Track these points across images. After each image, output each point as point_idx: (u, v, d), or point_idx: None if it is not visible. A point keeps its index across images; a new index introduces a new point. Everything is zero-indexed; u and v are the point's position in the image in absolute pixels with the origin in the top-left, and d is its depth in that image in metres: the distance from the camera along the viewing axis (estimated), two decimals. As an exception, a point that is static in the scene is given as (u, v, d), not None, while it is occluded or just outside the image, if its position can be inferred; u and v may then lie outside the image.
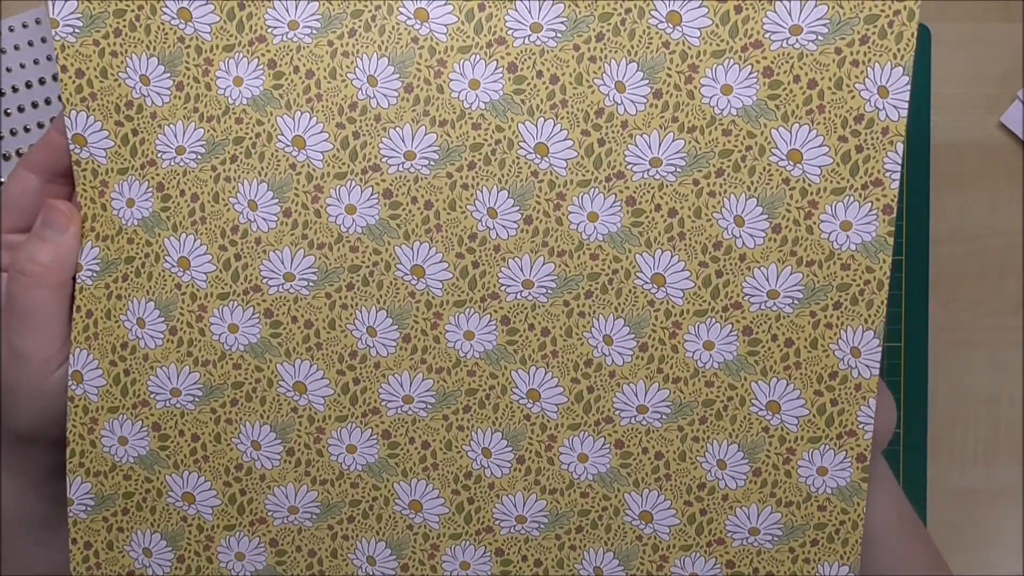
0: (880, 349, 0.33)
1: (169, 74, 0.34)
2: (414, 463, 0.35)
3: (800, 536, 0.34)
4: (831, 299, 0.33)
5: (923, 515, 0.49)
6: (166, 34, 0.33)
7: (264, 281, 0.35)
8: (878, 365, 0.33)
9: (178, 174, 0.34)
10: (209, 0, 0.33)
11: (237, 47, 0.33)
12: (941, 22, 0.49)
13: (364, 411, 0.35)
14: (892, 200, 0.32)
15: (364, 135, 0.34)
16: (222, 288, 0.35)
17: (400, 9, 0.33)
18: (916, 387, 0.50)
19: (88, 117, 0.34)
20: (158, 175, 0.34)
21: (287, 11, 0.33)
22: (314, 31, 0.33)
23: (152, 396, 0.36)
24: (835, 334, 0.33)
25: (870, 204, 0.33)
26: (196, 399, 0.35)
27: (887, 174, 0.32)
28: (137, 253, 0.35)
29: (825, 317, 0.33)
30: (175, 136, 0.34)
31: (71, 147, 0.34)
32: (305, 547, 0.36)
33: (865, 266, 0.33)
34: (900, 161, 0.32)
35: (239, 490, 0.36)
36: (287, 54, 0.33)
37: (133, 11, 0.33)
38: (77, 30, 0.33)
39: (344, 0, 0.33)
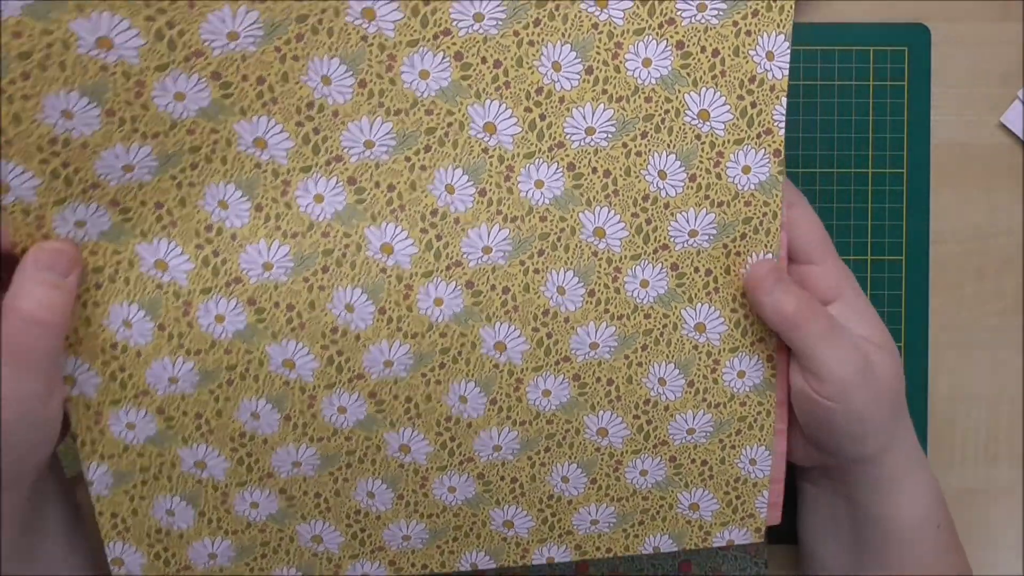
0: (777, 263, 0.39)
1: (96, 103, 0.33)
2: (399, 415, 0.40)
3: (727, 428, 0.41)
4: (738, 232, 0.39)
5: (923, 515, 0.49)
6: (85, 66, 0.32)
7: (244, 272, 0.37)
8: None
9: (132, 188, 0.35)
10: (132, 25, 0.32)
11: (172, 65, 0.33)
12: (941, 22, 0.49)
13: (350, 377, 0.39)
14: (780, 145, 0.38)
15: (324, 130, 0.36)
16: (204, 284, 0.37)
17: (347, 11, 0.35)
18: (916, 387, 0.50)
19: (8, 164, 0.33)
20: (107, 194, 0.34)
21: (223, 22, 0.33)
22: (258, 39, 0.34)
23: (151, 386, 0.38)
24: (743, 259, 0.39)
25: (764, 150, 0.38)
26: (194, 383, 0.38)
27: (775, 124, 0.38)
28: (106, 263, 0.36)
29: (735, 247, 0.39)
30: (116, 158, 0.34)
31: None
32: (311, 491, 0.40)
33: (763, 201, 0.38)
34: (785, 112, 0.38)
35: (245, 453, 0.39)
36: (231, 64, 0.34)
37: (42, 50, 0.32)
38: None
39: (284, 3, 0.34)
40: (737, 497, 0.42)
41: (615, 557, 0.43)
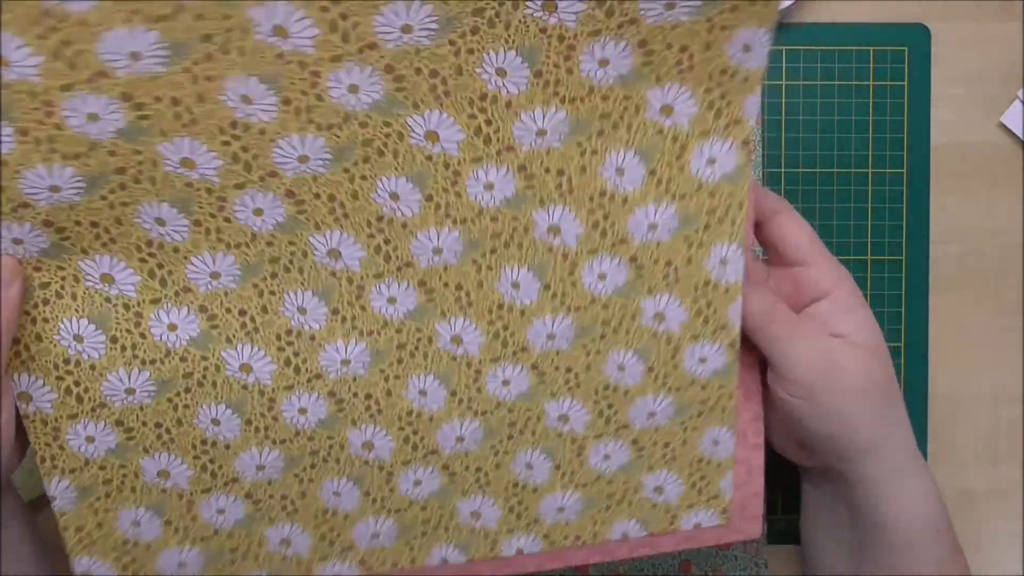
0: (744, 258, 0.38)
1: (7, 120, 0.32)
2: (360, 413, 0.39)
3: (688, 411, 0.41)
4: (702, 223, 0.38)
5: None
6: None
7: (192, 282, 0.36)
8: (742, 271, 0.38)
9: (64, 209, 0.34)
10: (25, 43, 0.31)
11: (76, 86, 0.32)
12: (941, 22, 0.49)
13: (308, 378, 0.39)
14: (749, 135, 0.37)
15: (253, 148, 0.34)
16: (153, 294, 0.36)
17: (256, 30, 0.32)
18: (916, 387, 0.50)
19: None
20: (39, 214, 0.34)
21: (123, 43, 0.31)
22: (163, 60, 0.32)
23: (108, 398, 0.37)
24: (706, 251, 0.38)
25: (731, 140, 0.37)
26: (151, 393, 0.38)
27: (745, 114, 0.36)
28: (52, 279, 0.35)
29: (697, 238, 0.38)
30: (40, 177, 0.33)
31: None
32: (277, 493, 0.40)
33: (728, 192, 0.37)
34: (758, 102, 0.36)
35: (208, 460, 0.39)
36: (139, 87, 0.32)
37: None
38: None
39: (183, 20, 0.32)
40: (702, 478, 0.42)
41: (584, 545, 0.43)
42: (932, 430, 0.50)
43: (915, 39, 0.49)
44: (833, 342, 0.39)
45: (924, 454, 0.49)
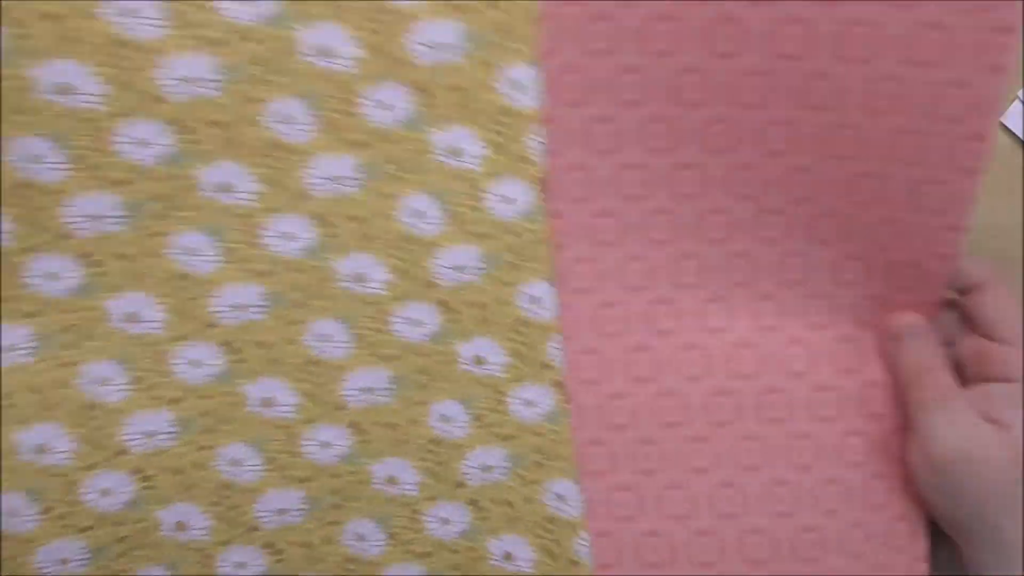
0: (555, 295, 0.38)
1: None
2: (170, 492, 0.38)
3: (524, 461, 0.39)
4: (507, 261, 0.37)
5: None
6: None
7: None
8: (556, 308, 0.38)
9: None
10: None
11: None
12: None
13: (114, 453, 0.37)
14: (540, 173, 0.36)
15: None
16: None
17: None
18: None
19: None
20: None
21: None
22: None
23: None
24: (515, 290, 0.38)
25: (523, 179, 0.36)
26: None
27: (530, 152, 0.36)
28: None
29: (505, 277, 0.37)
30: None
31: None
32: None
33: (527, 229, 0.37)
34: (542, 140, 0.36)
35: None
36: None
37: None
38: None
39: None
40: (553, 540, 0.39)
41: None
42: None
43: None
44: (984, 428, 0.37)
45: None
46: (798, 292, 0.40)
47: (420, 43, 0.35)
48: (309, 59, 0.35)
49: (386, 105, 0.35)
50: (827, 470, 0.39)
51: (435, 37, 0.35)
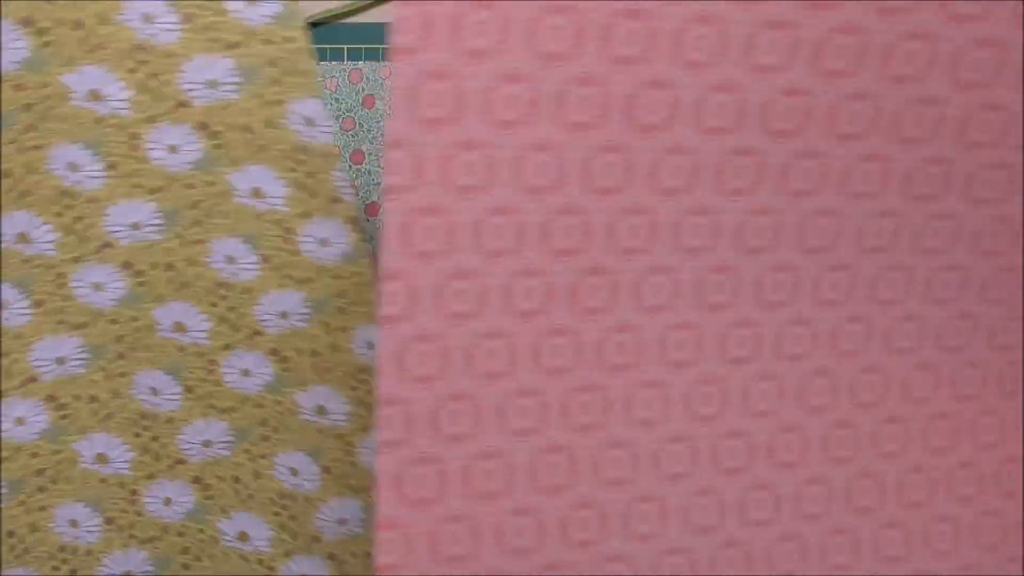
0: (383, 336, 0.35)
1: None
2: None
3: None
4: (335, 306, 0.35)
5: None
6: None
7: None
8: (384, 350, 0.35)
9: None
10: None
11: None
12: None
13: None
14: (354, 212, 0.34)
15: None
16: None
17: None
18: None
19: None
20: None
21: None
22: None
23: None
24: (349, 335, 0.36)
25: (338, 219, 0.35)
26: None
27: (340, 191, 0.34)
28: None
29: (335, 322, 0.36)
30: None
31: None
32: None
33: (352, 271, 0.35)
34: (348, 178, 0.34)
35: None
36: None
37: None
38: None
39: None
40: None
41: None
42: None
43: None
44: None
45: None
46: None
47: (192, 81, 0.33)
48: (78, 104, 0.33)
49: (172, 147, 0.34)
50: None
51: (207, 75, 0.32)
